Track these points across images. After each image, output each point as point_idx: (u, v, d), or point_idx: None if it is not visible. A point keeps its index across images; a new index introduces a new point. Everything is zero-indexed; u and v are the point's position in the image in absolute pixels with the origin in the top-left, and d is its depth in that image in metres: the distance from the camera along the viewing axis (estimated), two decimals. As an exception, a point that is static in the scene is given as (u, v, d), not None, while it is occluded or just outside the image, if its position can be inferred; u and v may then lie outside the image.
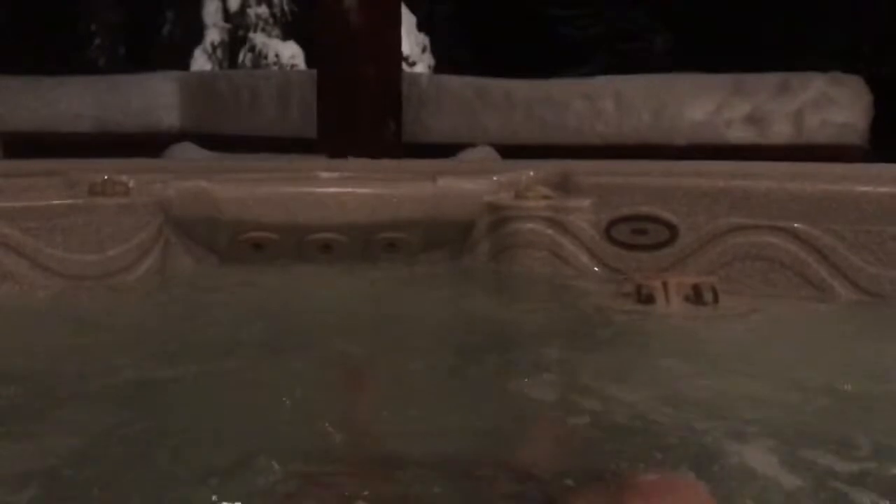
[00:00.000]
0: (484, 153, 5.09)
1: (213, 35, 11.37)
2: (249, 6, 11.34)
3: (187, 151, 5.49)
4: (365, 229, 3.00)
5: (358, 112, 4.28)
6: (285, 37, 11.51)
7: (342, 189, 3.04)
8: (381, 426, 1.62)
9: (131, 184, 2.75)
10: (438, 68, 11.43)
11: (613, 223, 2.85)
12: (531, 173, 3.11)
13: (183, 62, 11.46)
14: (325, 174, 3.15)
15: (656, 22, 12.90)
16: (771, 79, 4.97)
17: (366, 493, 1.28)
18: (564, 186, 3.01)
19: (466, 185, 3.09)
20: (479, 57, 13.13)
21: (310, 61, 11.46)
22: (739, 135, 4.88)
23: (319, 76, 4.51)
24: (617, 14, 13.26)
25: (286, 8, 11.63)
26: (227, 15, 11.39)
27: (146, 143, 5.92)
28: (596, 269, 2.86)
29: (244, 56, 11.42)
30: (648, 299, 2.43)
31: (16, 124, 5.15)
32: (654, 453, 1.45)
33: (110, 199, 2.62)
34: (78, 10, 12.07)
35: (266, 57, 11.26)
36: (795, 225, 2.55)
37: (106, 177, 2.68)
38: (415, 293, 2.88)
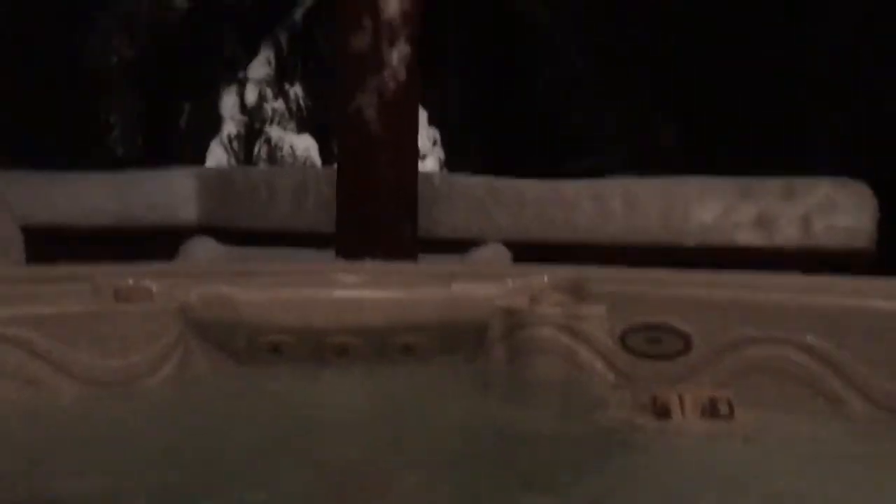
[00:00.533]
0: (495, 251, 5.18)
1: (229, 127, 11.69)
2: (266, 100, 11.69)
3: (204, 246, 5.60)
4: (381, 332, 3.05)
5: (375, 214, 4.41)
6: (300, 130, 11.82)
7: (359, 293, 3.11)
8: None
9: (154, 288, 2.81)
10: (449, 161, 11.69)
11: (628, 331, 2.89)
12: (545, 279, 3.17)
13: (199, 153, 11.75)
14: (342, 277, 3.22)
15: (664, 117, 13.20)
16: (777, 183, 5.09)
17: None
18: (578, 293, 3.06)
19: (481, 289, 3.14)
20: (488, 148, 13.45)
21: (323, 154, 11.74)
22: (748, 237, 4.96)
23: (339, 178, 4.66)
24: (624, 107, 13.61)
25: (302, 103, 11.98)
26: (244, 108, 11.74)
27: (164, 237, 6.05)
28: (611, 376, 2.88)
29: (260, 148, 11.71)
30: (664, 411, 2.44)
31: (37, 218, 5.28)
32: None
33: (135, 304, 2.67)
34: (98, 101, 12.48)
35: (281, 149, 11.54)
36: (809, 338, 2.57)
37: (131, 282, 2.75)
38: (430, 398, 2.90)
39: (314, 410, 2.70)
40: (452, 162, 11.76)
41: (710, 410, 2.43)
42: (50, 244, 5.15)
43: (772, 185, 5.09)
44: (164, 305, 2.76)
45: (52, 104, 11.66)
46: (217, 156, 11.80)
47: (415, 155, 4.77)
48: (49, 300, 2.62)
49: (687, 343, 2.78)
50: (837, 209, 4.88)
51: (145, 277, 2.83)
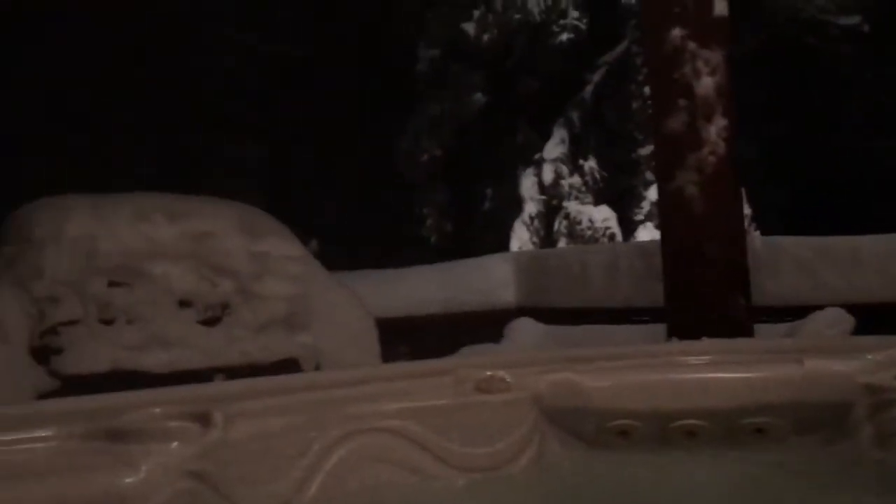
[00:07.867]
0: (835, 316, 4.82)
1: (530, 207, 12.21)
2: (563, 178, 12.07)
3: (527, 327, 5.87)
4: (729, 415, 2.97)
5: (705, 291, 4.34)
6: (597, 202, 12.01)
7: (704, 375, 3.07)
8: None
9: (508, 378, 3.02)
10: (756, 219, 11.11)
11: None
12: (913, 350, 2.90)
13: (504, 234, 12.37)
14: (685, 359, 3.20)
15: None
16: None
17: None
18: (955, 366, 2.76)
19: (837, 365, 2.95)
20: (796, 204, 12.57)
21: (622, 223, 11.78)
22: None
23: (665, 258, 4.67)
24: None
25: (597, 175, 12.20)
26: (542, 188, 12.22)
27: (487, 320, 6.44)
28: None
29: (559, 223, 12.06)
30: None
31: (383, 311, 5.89)
32: None
33: (495, 395, 2.89)
34: (412, 197, 13.71)
35: (580, 222, 11.79)
36: None
37: (489, 373, 2.97)
38: (785, 482, 2.75)
39: (662, 493, 2.69)
40: (759, 220, 11.17)
41: None
42: (391, 334, 5.73)
43: None
44: (520, 395, 2.94)
45: (372, 206, 13.06)
46: (519, 235, 12.34)
47: (741, 226, 4.65)
48: (420, 394, 2.92)
49: None
50: None
51: (500, 368, 3.04)
